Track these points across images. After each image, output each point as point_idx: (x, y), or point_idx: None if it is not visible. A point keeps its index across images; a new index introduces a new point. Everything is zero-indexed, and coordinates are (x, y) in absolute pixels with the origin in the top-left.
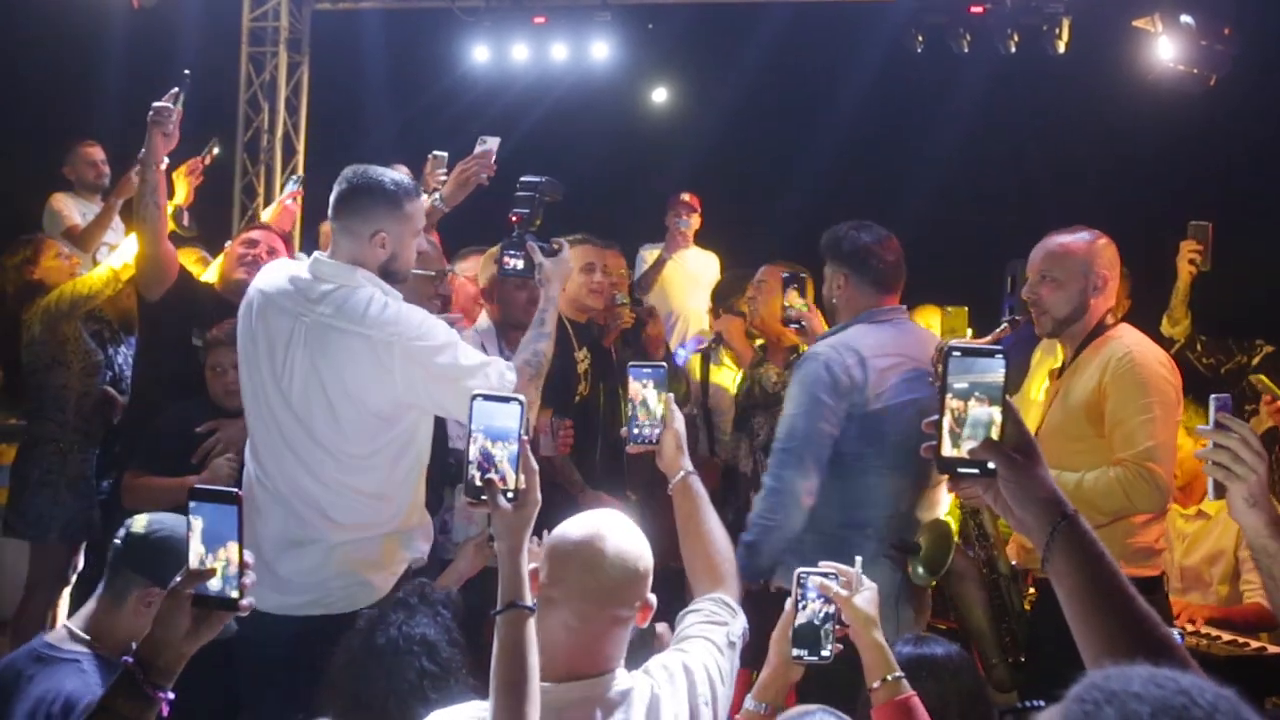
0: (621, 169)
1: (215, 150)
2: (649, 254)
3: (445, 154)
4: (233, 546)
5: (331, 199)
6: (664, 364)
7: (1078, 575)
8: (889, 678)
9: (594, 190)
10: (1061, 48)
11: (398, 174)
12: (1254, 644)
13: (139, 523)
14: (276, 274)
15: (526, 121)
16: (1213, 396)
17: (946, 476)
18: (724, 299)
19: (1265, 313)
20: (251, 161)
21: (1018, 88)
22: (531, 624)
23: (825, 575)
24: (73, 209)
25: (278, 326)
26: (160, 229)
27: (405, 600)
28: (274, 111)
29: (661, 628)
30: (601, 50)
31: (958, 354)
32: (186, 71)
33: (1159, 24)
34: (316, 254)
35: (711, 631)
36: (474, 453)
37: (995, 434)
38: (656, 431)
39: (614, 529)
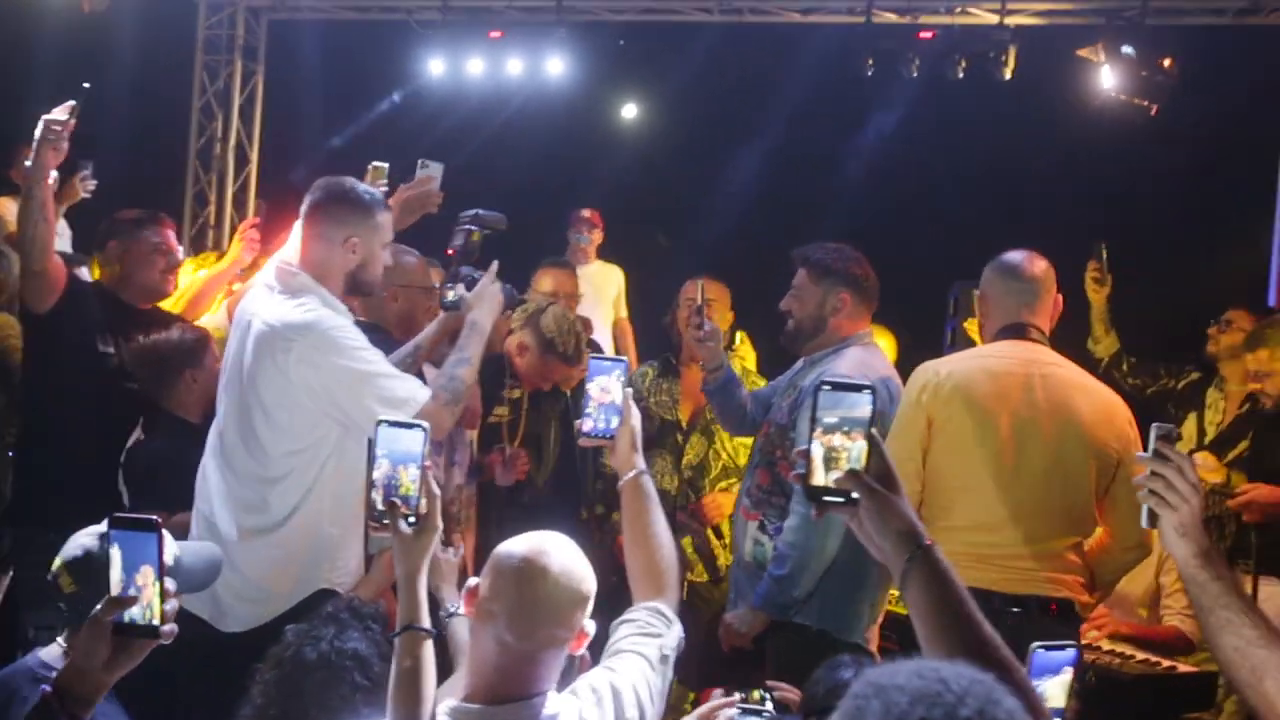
0: (574, 184)
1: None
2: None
3: (386, 164)
4: (151, 573)
5: (304, 208)
6: (624, 359)
7: (928, 601)
8: None
9: (543, 205)
10: (1008, 74)
11: (367, 186)
12: (1165, 663)
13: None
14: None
15: (481, 135)
16: (1154, 425)
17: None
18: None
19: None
20: (204, 169)
21: (965, 112)
22: (428, 647)
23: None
24: (15, 212)
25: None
26: (48, 244)
27: (335, 615)
28: (228, 120)
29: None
30: (557, 66)
31: (828, 388)
32: (86, 85)
33: (1101, 54)
34: (280, 262)
35: (644, 645)
36: (378, 476)
37: (861, 465)
38: (612, 427)
39: (559, 549)
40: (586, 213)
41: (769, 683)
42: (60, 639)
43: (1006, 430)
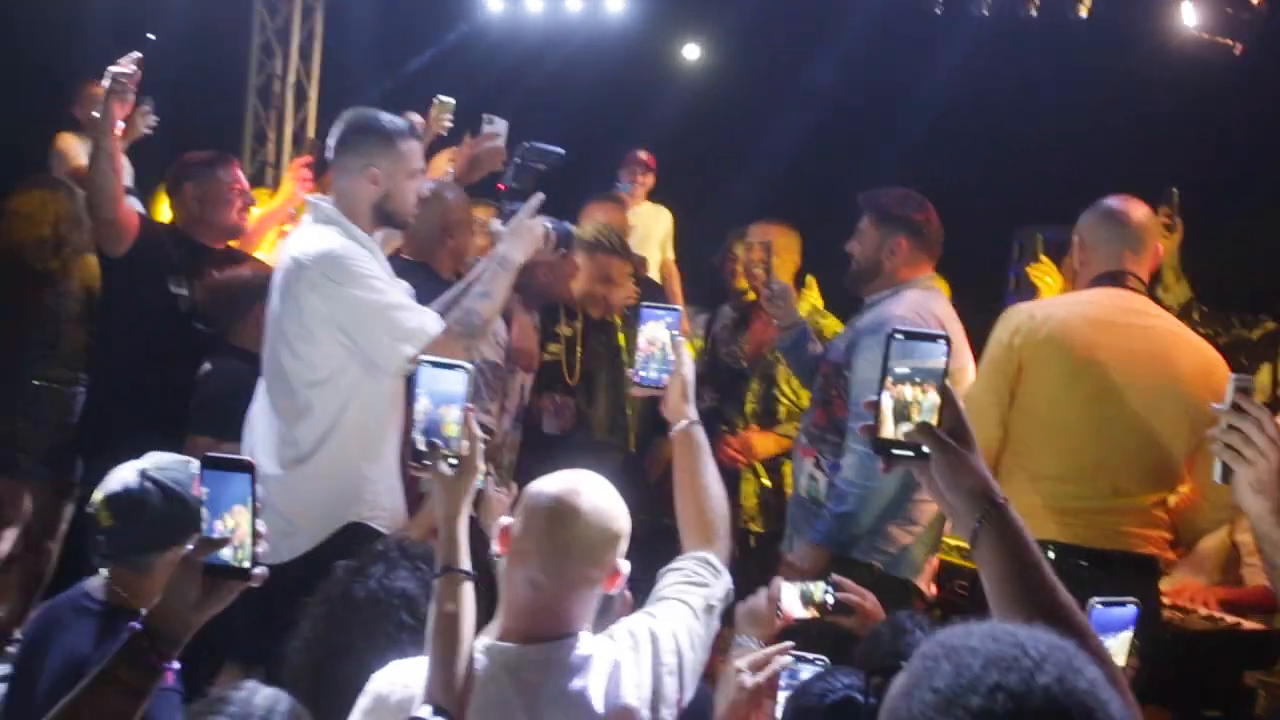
0: (630, 124)
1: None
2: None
3: (452, 100)
4: (245, 514)
5: (329, 140)
6: (676, 307)
7: (1001, 563)
8: None
9: (600, 144)
10: (1084, 12)
11: (394, 116)
12: (1229, 619)
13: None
14: None
15: (539, 73)
16: (1231, 376)
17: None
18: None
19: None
20: (264, 107)
21: (1038, 53)
22: (467, 588)
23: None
24: (80, 149)
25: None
26: (117, 193)
27: (385, 553)
28: (287, 57)
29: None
30: (616, 3)
31: (900, 337)
32: (151, 36)
33: None
34: (310, 197)
35: (689, 594)
36: (419, 417)
37: (933, 419)
38: (665, 376)
39: (591, 487)
40: (642, 154)
41: (835, 578)
42: (103, 570)
43: (1101, 380)
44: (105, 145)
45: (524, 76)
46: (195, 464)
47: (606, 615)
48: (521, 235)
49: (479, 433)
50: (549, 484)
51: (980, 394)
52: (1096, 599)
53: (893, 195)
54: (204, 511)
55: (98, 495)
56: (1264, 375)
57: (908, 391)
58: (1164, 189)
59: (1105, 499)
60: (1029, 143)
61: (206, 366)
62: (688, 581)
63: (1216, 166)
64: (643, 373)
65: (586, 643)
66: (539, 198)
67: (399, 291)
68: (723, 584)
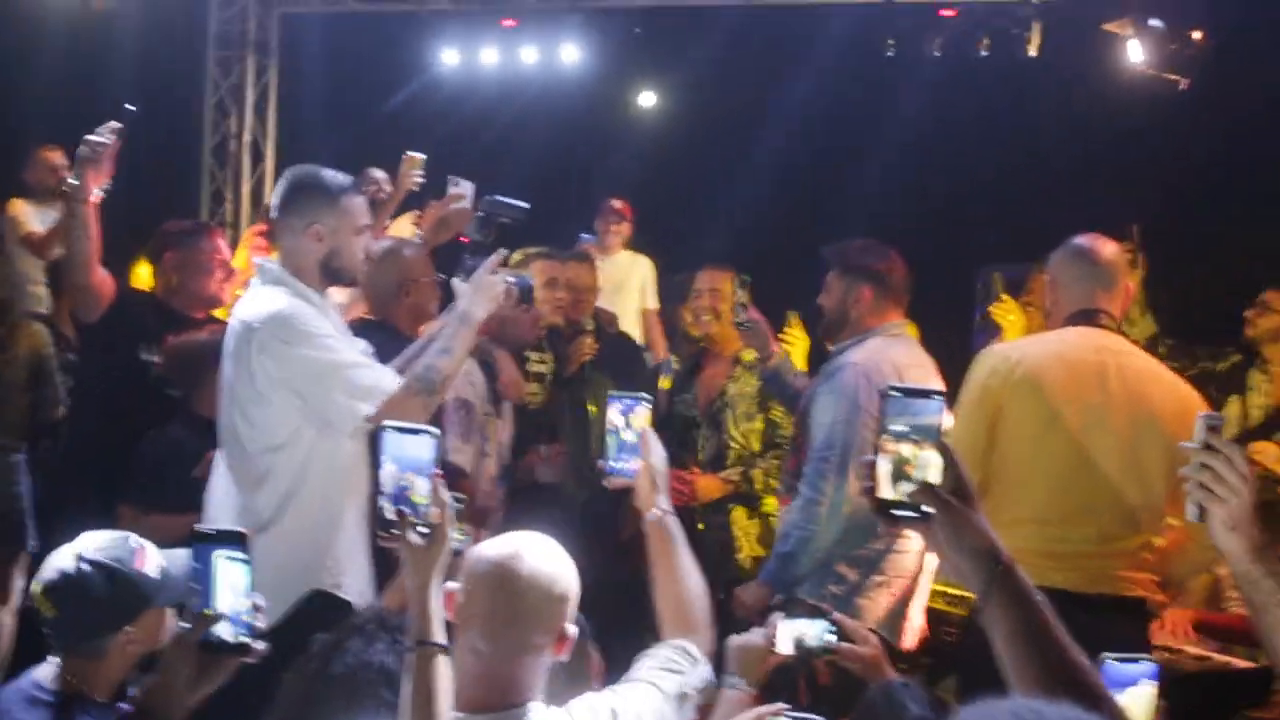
0: (590, 173)
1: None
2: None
3: (421, 155)
4: (239, 588)
5: (274, 201)
6: (646, 395)
7: (1012, 624)
8: None
9: (559, 195)
10: (1033, 51)
11: (336, 173)
12: (1219, 658)
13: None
14: None
15: (496, 126)
16: (1199, 415)
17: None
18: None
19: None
20: (219, 167)
21: (990, 92)
22: (442, 662)
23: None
24: (30, 215)
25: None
26: (91, 259)
27: (362, 626)
28: (241, 116)
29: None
30: (572, 54)
31: (895, 394)
32: (131, 106)
33: (1129, 27)
34: (257, 259)
35: (661, 678)
36: (386, 484)
37: (933, 477)
38: (634, 466)
39: (533, 550)
40: (616, 203)
41: (836, 616)
42: (53, 658)
43: (1079, 421)
44: (79, 211)
45: (480, 129)
46: (133, 539)
47: (576, 682)
48: (483, 290)
49: (448, 499)
50: (490, 548)
51: (959, 437)
52: (1108, 654)
53: (855, 247)
54: (195, 587)
55: (35, 586)
56: (1233, 407)
57: (905, 450)
58: (1123, 224)
59: (1090, 543)
60: (987, 182)
61: (148, 435)
62: (662, 667)
63: (1172, 200)
64: (613, 463)
65: (538, 713)
66: (501, 253)
67: (353, 350)
68: (699, 673)
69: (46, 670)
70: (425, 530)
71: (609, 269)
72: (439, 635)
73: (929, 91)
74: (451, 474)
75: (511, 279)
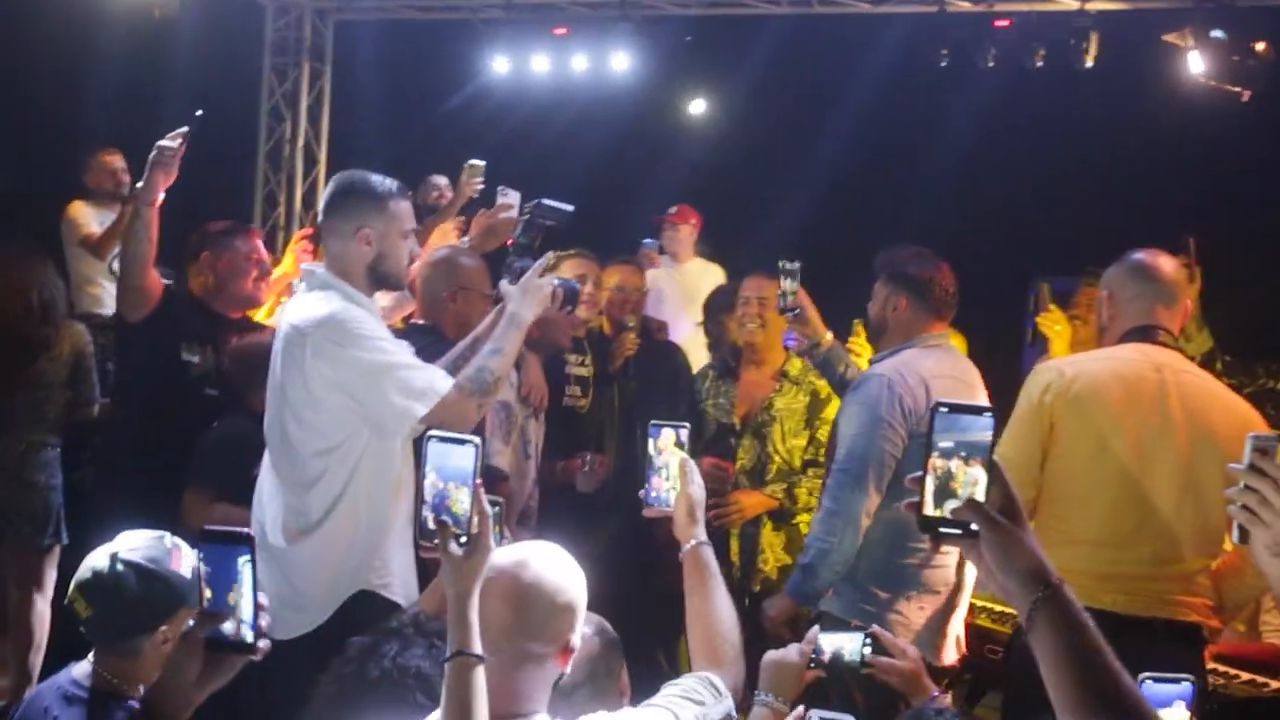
0: (641, 181)
1: None
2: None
3: (482, 162)
4: (245, 587)
5: (320, 205)
6: (686, 423)
7: (1058, 646)
8: None
9: (609, 202)
10: (1089, 62)
11: (384, 177)
12: (1274, 684)
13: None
14: None
15: (546, 133)
16: (1250, 435)
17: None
18: (715, 313)
19: None
20: (273, 171)
21: (1044, 103)
22: (479, 673)
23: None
24: (90, 217)
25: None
26: (149, 262)
27: (399, 630)
28: (296, 121)
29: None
30: (622, 62)
31: (945, 410)
32: (199, 112)
33: (1189, 38)
34: (305, 265)
35: (680, 706)
36: (428, 494)
37: (980, 495)
38: (673, 495)
39: (540, 559)
40: (674, 209)
41: (875, 629)
42: (90, 657)
43: (1136, 440)
44: (145, 214)
45: (531, 136)
46: (169, 539)
47: (600, 698)
48: (531, 293)
49: (489, 509)
50: (499, 556)
51: (1011, 453)
52: (1146, 674)
53: (900, 254)
54: (204, 586)
55: (71, 587)
56: None
57: (953, 466)
58: (1179, 238)
59: (1146, 565)
60: (1040, 193)
61: (215, 424)
62: (684, 696)
63: (1231, 214)
64: (652, 493)
65: None
66: (549, 255)
67: (405, 351)
68: (722, 707)
69: (83, 668)
70: (465, 540)
71: (680, 277)
72: (477, 646)
73: (982, 101)
74: (491, 477)
75: (557, 281)
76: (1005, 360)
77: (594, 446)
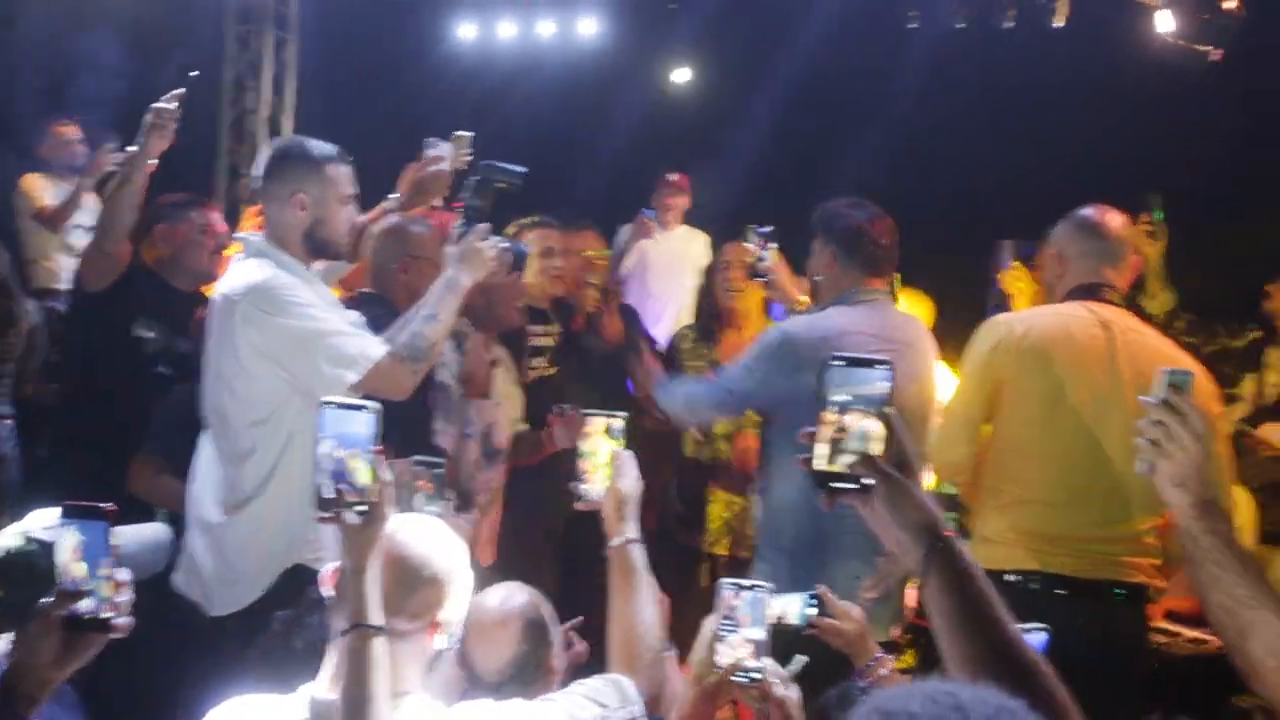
0: (610, 148)
1: None
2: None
3: (470, 134)
4: (105, 564)
5: (257, 172)
6: (622, 413)
7: (948, 599)
8: None
9: (572, 168)
10: (1060, 21)
11: (320, 141)
12: (1216, 641)
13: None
14: None
15: (512, 99)
16: (1162, 369)
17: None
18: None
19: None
20: (238, 142)
21: (1015, 63)
22: (379, 644)
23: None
24: (44, 190)
25: None
26: (127, 230)
27: (321, 601)
28: (259, 92)
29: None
30: (589, 27)
31: (839, 364)
32: (194, 72)
33: None
34: (240, 234)
35: (581, 706)
36: (324, 462)
37: (875, 449)
38: (603, 488)
39: (409, 530)
40: (672, 177)
41: (820, 589)
42: (4, 637)
43: (1086, 400)
44: (136, 179)
45: (499, 102)
46: None
47: (532, 688)
48: (470, 258)
49: (388, 476)
50: None
51: (956, 409)
52: None
53: (831, 207)
54: (61, 561)
55: None
56: (1249, 385)
57: (847, 420)
58: (1146, 195)
59: (1096, 527)
60: (1010, 154)
61: (171, 394)
62: (587, 696)
63: (1198, 174)
64: (583, 485)
65: (412, 709)
66: (487, 224)
67: (338, 318)
68: (627, 713)
69: (1, 648)
70: (363, 509)
71: (665, 244)
72: (375, 617)
73: (953, 62)
74: (432, 449)
75: (505, 245)
76: (971, 326)
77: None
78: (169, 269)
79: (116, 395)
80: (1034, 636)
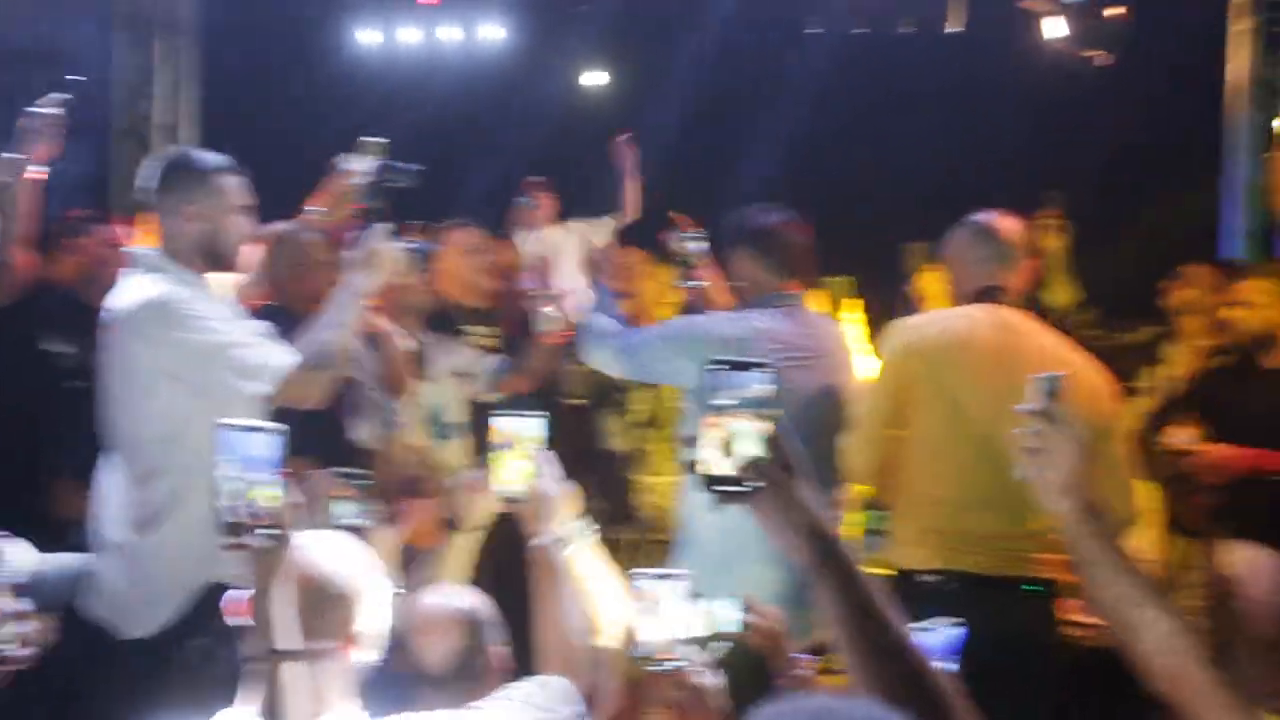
0: (511, 152)
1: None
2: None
3: (382, 140)
4: (6, 595)
5: (149, 185)
6: (540, 413)
7: (841, 601)
8: None
9: (479, 174)
10: (956, 26)
11: (209, 152)
12: None
13: None
14: None
15: (417, 106)
16: (1038, 376)
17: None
18: None
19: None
20: (133, 150)
21: (911, 69)
22: (289, 669)
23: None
24: None
25: None
26: (11, 240)
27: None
28: (151, 99)
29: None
30: (492, 32)
31: (717, 367)
32: (82, 78)
33: (1047, 3)
34: (132, 248)
35: (518, 713)
36: (223, 485)
37: (759, 451)
38: (523, 488)
39: (313, 549)
40: (535, 179)
41: (747, 594)
42: None
43: (988, 398)
44: (14, 185)
45: (403, 109)
46: (4, 539)
47: (476, 683)
48: (371, 260)
49: (295, 499)
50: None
51: (866, 412)
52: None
53: (742, 213)
54: None
55: None
56: (1147, 379)
57: (731, 424)
58: (1048, 192)
59: (1003, 524)
60: (910, 160)
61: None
62: (523, 703)
63: (1094, 176)
64: (500, 485)
65: None
66: (386, 225)
67: (240, 330)
68: (570, 712)
69: None
70: (268, 533)
71: (540, 242)
72: (284, 640)
73: (850, 68)
74: (352, 452)
75: (408, 244)
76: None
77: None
78: (82, 284)
79: (24, 411)
80: (949, 631)
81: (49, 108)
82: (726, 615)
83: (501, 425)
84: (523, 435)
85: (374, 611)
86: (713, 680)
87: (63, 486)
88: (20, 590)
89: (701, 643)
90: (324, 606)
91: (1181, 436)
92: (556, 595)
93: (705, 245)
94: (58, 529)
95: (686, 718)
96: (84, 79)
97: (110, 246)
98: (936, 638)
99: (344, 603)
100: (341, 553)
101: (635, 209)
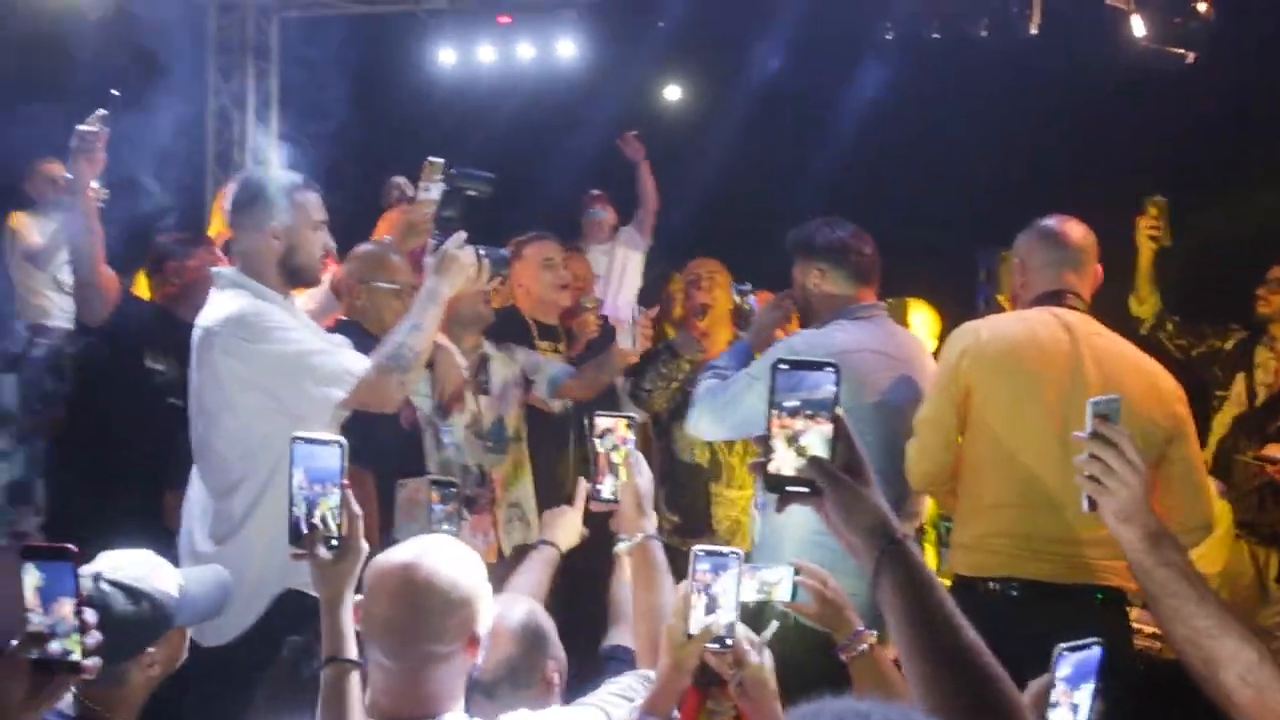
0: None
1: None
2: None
3: (441, 160)
4: (69, 604)
5: (227, 205)
6: (632, 414)
7: (901, 602)
8: None
9: (554, 189)
10: (1034, 29)
11: (286, 171)
12: None
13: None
14: None
15: (493, 123)
16: (1090, 402)
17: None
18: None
19: (1244, 295)
20: (222, 173)
21: (991, 73)
22: (354, 678)
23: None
24: (32, 227)
25: None
26: (95, 255)
27: None
28: (244, 122)
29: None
30: (567, 49)
31: (785, 368)
32: (115, 92)
33: (1131, 2)
34: (214, 268)
35: (613, 704)
36: (297, 496)
37: (824, 452)
38: (618, 488)
39: (433, 555)
40: (595, 192)
41: (796, 561)
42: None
43: (1053, 403)
44: (80, 206)
45: (480, 127)
46: (152, 557)
47: (525, 693)
48: (448, 267)
49: (358, 510)
50: (392, 554)
51: (929, 417)
52: (1062, 645)
53: (806, 227)
54: (28, 603)
55: None
56: (1238, 385)
57: (798, 424)
58: (1148, 197)
59: (1065, 529)
60: (990, 164)
61: None
62: (619, 695)
63: (1179, 177)
64: (599, 486)
65: None
66: (462, 233)
67: (319, 339)
68: None
69: (65, 697)
70: (335, 543)
71: (604, 255)
72: (350, 651)
73: (928, 73)
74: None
75: (482, 251)
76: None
77: (569, 436)
78: (177, 304)
79: (130, 428)
80: (1090, 651)
81: (90, 125)
82: (779, 581)
83: (602, 423)
84: (619, 432)
85: (488, 613)
86: (766, 659)
87: (173, 499)
88: (83, 602)
89: (757, 610)
90: (450, 611)
91: (1272, 446)
92: (654, 590)
93: (752, 294)
94: (173, 541)
95: (745, 696)
96: (117, 93)
97: (210, 267)
98: (1086, 656)
99: (466, 607)
100: (459, 556)
101: (654, 199)
